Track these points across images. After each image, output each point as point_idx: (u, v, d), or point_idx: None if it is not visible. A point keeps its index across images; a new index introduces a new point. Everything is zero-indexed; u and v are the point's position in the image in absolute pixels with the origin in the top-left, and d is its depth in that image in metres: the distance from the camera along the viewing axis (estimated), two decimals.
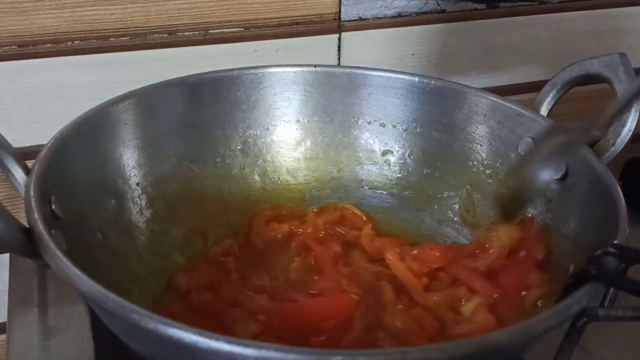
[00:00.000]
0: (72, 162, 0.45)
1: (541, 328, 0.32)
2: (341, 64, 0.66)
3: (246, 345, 0.29)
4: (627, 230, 0.38)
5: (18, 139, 0.55)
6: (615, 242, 0.37)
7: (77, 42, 0.57)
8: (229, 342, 0.29)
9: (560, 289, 0.37)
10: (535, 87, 0.52)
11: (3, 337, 0.50)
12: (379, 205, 0.59)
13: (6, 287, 0.53)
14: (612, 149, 0.47)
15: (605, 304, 0.36)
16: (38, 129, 0.45)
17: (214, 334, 0.29)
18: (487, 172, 0.55)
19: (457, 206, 0.56)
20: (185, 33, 0.60)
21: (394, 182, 0.60)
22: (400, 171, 0.59)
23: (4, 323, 0.49)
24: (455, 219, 0.56)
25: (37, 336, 0.47)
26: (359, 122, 0.60)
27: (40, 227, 0.36)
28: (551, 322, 0.32)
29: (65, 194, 0.43)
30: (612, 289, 0.35)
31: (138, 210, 0.51)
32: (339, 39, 0.65)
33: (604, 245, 0.35)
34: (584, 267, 0.35)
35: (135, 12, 0.58)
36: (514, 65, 0.72)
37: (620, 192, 0.42)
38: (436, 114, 0.57)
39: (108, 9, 0.57)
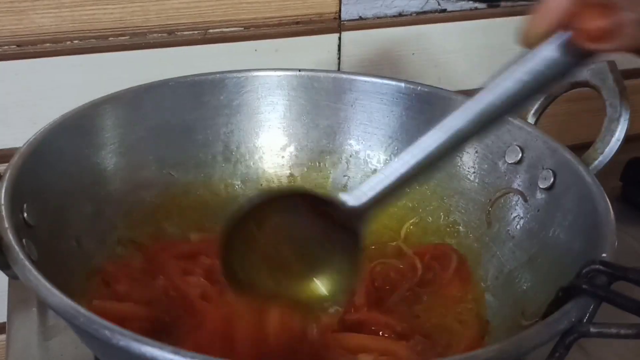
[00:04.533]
0: (47, 168, 0.44)
1: (530, 344, 0.32)
2: (341, 63, 0.66)
3: None
4: (616, 243, 0.38)
5: (16, 139, 0.54)
6: (603, 256, 0.36)
7: (75, 41, 0.57)
8: None
9: (547, 303, 0.36)
10: None
11: (3, 337, 0.50)
12: None
13: (6, 287, 0.52)
14: (601, 158, 0.47)
15: (585, 320, 0.35)
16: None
17: (189, 352, 0.28)
18: (475, 180, 0.54)
19: (442, 214, 0.56)
20: (184, 32, 0.60)
21: None
22: None
23: (4, 323, 0.49)
24: (441, 227, 0.55)
25: (37, 336, 0.47)
26: (344, 128, 0.59)
27: (10, 236, 0.35)
28: (541, 339, 0.32)
29: (39, 201, 0.42)
30: (593, 305, 0.35)
31: (116, 216, 0.50)
32: (339, 38, 0.65)
33: (592, 260, 0.34)
34: (573, 281, 0.34)
35: (134, 11, 0.58)
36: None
37: (609, 204, 0.41)
38: (423, 120, 0.56)
39: (107, 8, 0.57)
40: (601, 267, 0.34)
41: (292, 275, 0.37)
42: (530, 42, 0.31)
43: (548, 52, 0.31)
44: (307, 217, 0.35)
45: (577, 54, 0.31)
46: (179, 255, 0.50)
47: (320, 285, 0.37)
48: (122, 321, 0.38)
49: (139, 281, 0.46)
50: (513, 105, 0.33)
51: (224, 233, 0.35)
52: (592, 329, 0.32)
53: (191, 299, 0.43)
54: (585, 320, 0.35)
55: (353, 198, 0.35)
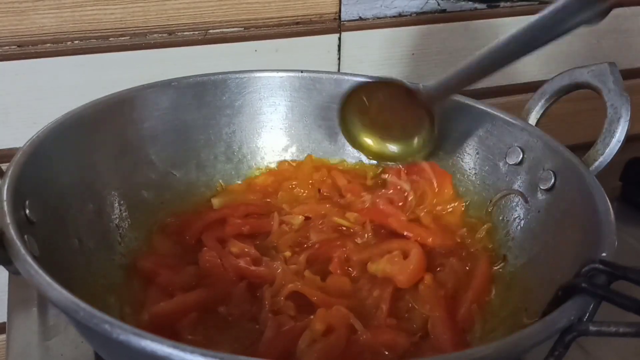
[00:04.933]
0: (49, 166, 0.44)
1: (529, 343, 0.32)
2: (341, 64, 0.66)
3: (220, 358, 0.27)
4: (616, 243, 0.38)
5: (17, 139, 0.55)
6: (603, 255, 0.36)
7: (76, 41, 0.57)
8: (204, 355, 0.27)
9: (547, 302, 0.36)
10: (536, 87, 0.52)
11: (3, 337, 0.50)
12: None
13: (6, 287, 0.52)
14: (601, 159, 0.47)
15: (585, 319, 0.35)
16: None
17: (189, 346, 0.28)
18: (476, 181, 0.54)
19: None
20: (184, 33, 0.60)
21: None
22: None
23: (4, 323, 0.49)
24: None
25: (37, 336, 0.47)
26: None
27: (12, 232, 0.35)
28: (539, 337, 0.32)
29: (41, 199, 0.42)
30: (593, 304, 0.35)
31: (117, 216, 0.50)
32: (339, 38, 0.65)
33: (592, 260, 0.34)
34: (572, 280, 0.34)
35: (135, 12, 0.58)
36: (514, 65, 0.71)
37: (609, 204, 0.41)
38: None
39: (108, 8, 0.57)
40: (601, 266, 0.34)
41: (387, 134, 0.54)
42: None
43: None
44: (400, 97, 0.51)
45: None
46: (208, 225, 0.52)
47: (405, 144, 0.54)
48: (181, 316, 0.42)
49: (176, 268, 0.48)
50: (541, 39, 0.42)
51: (342, 101, 0.54)
52: (591, 328, 0.32)
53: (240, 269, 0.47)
54: (585, 319, 0.35)
55: (430, 86, 0.49)
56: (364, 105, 0.53)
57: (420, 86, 0.50)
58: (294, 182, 0.57)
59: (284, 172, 0.58)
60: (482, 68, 0.45)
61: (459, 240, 0.51)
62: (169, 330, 0.42)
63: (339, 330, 0.41)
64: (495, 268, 0.49)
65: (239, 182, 0.58)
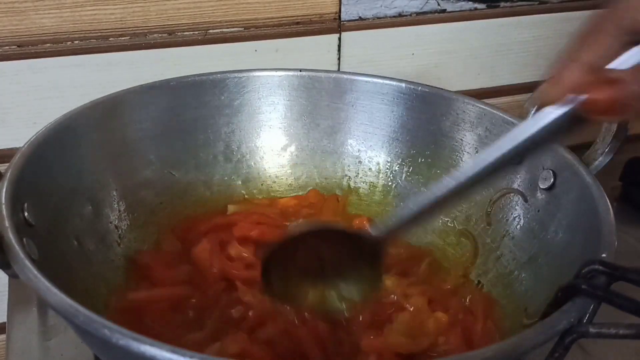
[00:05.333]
0: (48, 168, 0.44)
1: (529, 345, 0.32)
2: (341, 63, 0.66)
3: None
4: (616, 243, 0.38)
5: (16, 139, 0.55)
6: (603, 256, 0.36)
7: (76, 42, 0.57)
8: None
9: (547, 303, 0.36)
10: (535, 87, 0.52)
11: (3, 337, 0.50)
12: (365, 212, 0.58)
13: (6, 287, 0.52)
14: (601, 158, 0.47)
15: (585, 320, 0.35)
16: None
17: (188, 351, 0.28)
18: None
19: (442, 215, 0.55)
20: (184, 33, 0.60)
21: (379, 189, 0.59)
22: (386, 178, 0.59)
23: (4, 323, 0.49)
24: (442, 228, 0.55)
25: (36, 336, 0.47)
26: (345, 128, 0.59)
27: (10, 235, 0.35)
28: (539, 339, 0.32)
29: (40, 201, 0.42)
30: (593, 305, 0.35)
31: (116, 216, 0.50)
32: (339, 38, 0.65)
33: (592, 260, 0.34)
34: (572, 282, 0.34)
35: (134, 11, 0.58)
36: (513, 65, 0.72)
37: (609, 204, 0.41)
38: (423, 120, 0.56)
39: (108, 8, 0.57)
40: (600, 267, 0.34)
41: (320, 287, 0.43)
42: (543, 105, 0.34)
43: (555, 116, 0.33)
44: (337, 245, 0.41)
45: (579, 121, 0.32)
46: (215, 226, 0.52)
47: (343, 296, 0.43)
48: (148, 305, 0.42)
49: (172, 265, 0.48)
50: (517, 155, 0.36)
51: (265, 255, 0.41)
52: (591, 329, 0.32)
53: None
54: (585, 321, 0.35)
55: (376, 230, 0.40)
56: (290, 258, 0.42)
57: (366, 231, 0.42)
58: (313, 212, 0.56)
59: (309, 197, 0.58)
60: (439, 207, 0.38)
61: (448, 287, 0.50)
62: (136, 319, 0.43)
63: None
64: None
65: (239, 182, 0.58)
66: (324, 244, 0.41)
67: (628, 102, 0.30)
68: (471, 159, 0.37)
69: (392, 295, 0.47)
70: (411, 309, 0.46)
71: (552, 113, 0.33)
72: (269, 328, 0.43)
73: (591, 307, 0.35)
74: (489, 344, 0.41)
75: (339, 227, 0.43)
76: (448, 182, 0.37)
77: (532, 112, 0.36)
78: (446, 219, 0.55)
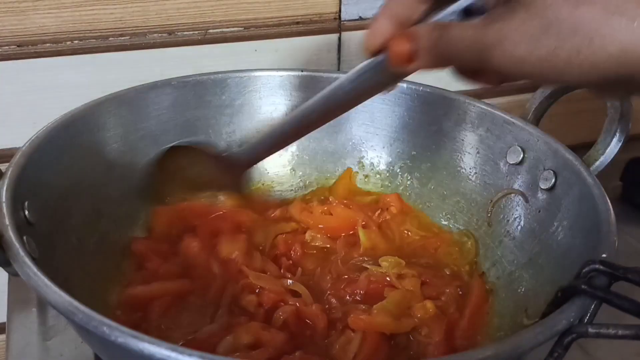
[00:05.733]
0: (48, 167, 0.44)
1: (528, 344, 0.31)
2: (341, 63, 0.66)
3: None
4: (616, 243, 0.38)
5: (17, 139, 0.54)
6: (603, 256, 0.36)
7: (76, 41, 0.57)
8: (202, 358, 0.27)
9: (547, 303, 0.36)
10: (535, 87, 0.52)
11: (3, 337, 0.50)
12: None
13: (6, 287, 0.52)
14: (602, 159, 0.47)
15: (586, 320, 0.35)
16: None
17: (187, 349, 0.28)
18: (476, 181, 0.54)
19: (443, 214, 0.55)
20: (184, 33, 0.60)
21: (380, 189, 0.59)
22: (387, 178, 0.59)
23: (4, 323, 0.49)
24: (443, 227, 0.55)
25: (36, 336, 0.47)
26: (346, 128, 0.59)
27: (11, 233, 0.35)
28: (539, 339, 0.32)
29: (40, 199, 0.42)
30: (594, 305, 0.35)
31: (117, 216, 0.50)
32: (339, 38, 0.65)
33: (592, 260, 0.34)
34: (573, 282, 0.34)
35: (134, 11, 0.58)
36: None
37: (609, 204, 0.41)
38: (424, 121, 0.56)
39: (107, 8, 0.57)
40: (601, 267, 0.34)
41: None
42: (366, 54, 0.37)
43: (370, 67, 0.37)
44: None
45: (390, 73, 0.36)
46: (206, 213, 0.53)
47: None
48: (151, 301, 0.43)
49: (166, 255, 0.49)
50: (343, 105, 0.41)
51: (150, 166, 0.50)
52: (590, 330, 0.32)
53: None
54: (585, 321, 0.35)
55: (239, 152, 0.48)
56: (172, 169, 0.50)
57: (227, 152, 0.49)
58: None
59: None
60: (292, 133, 0.44)
61: (448, 273, 0.51)
62: (140, 313, 0.44)
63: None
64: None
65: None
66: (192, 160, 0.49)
67: (419, 55, 0.33)
68: None
69: (387, 277, 0.47)
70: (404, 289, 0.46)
71: (367, 63, 0.37)
72: (282, 311, 0.44)
73: (592, 307, 0.35)
74: (470, 343, 0.42)
75: (203, 145, 0.50)
76: (301, 107, 0.42)
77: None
78: (446, 221, 0.55)
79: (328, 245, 0.52)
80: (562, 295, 0.34)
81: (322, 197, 0.58)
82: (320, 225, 0.54)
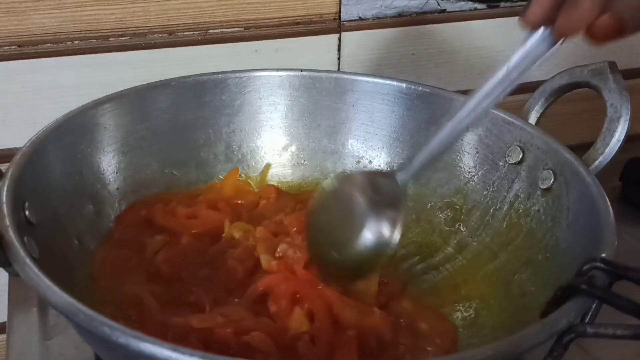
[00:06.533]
0: (49, 167, 0.44)
1: (528, 344, 0.32)
2: (341, 64, 0.66)
3: None
4: (616, 243, 0.38)
5: (17, 139, 0.55)
6: (603, 255, 0.36)
7: (76, 42, 0.57)
8: (203, 358, 0.28)
9: (546, 302, 0.36)
10: (535, 87, 0.52)
11: (3, 337, 0.50)
12: None
13: (6, 287, 0.52)
14: (601, 158, 0.47)
15: (587, 320, 0.35)
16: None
17: (188, 349, 0.28)
18: (475, 180, 0.54)
19: (443, 214, 0.56)
20: (185, 33, 0.60)
21: None
22: None
23: (4, 323, 0.49)
24: (443, 227, 0.55)
25: (37, 336, 0.47)
26: (346, 128, 0.59)
27: (11, 234, 0.35)
28: (538, 338, 0.32)
29: (41, 200, 0.42)
30: (595, 304, 0.35)
31: (117, 216, 0.50)
32: (339, 39, 0.65)
33: (593, 259, 0.34)
34: (573, 281, 0.34)
35: (135, 12, 0.58)
36: None
37: (609, 204, 0.41)
38: (424, 120, 0.56)
39: (108, 8, 0.57)
40: (602, 265, 0.34)
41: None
42: (528, 27, 0.39)
43: (538, 37, 0.39)
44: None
45: (551, 42, 0.39)
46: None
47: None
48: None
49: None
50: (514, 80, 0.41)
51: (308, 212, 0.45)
52: (589, 329, 0.32)
53: None
54: (586, 321, 0.35)
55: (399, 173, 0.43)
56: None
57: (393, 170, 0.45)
58: None
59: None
60: (449, 143, 0.42)
61: None
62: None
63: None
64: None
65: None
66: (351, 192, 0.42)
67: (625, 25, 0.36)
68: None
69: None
70: None
71: (533, 37, 0.39)
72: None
73: (593, 307, 0.35)
74: None
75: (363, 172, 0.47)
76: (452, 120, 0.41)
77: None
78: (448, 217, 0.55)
79: None
80: (562, 294, 0.34)
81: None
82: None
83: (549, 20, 0.38)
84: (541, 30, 0.39)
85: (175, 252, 0.48)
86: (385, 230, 0.40)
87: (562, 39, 0.39)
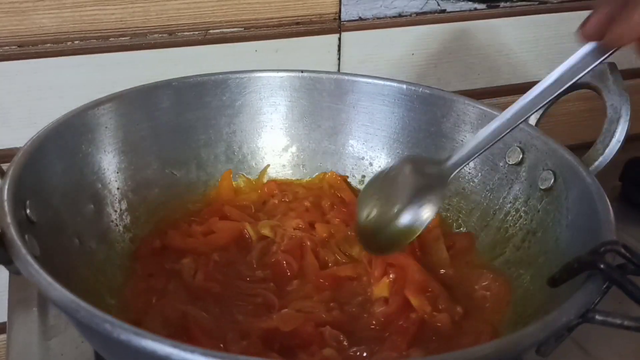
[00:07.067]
0: (50, 166, 0.44)
1: (529, 342, 0.32)
2: (341, 64, 0.66)
3: (222, 358, 0.27)
4: None
5: (17, 139, 0.55)
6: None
7: (77, 42, 0.58)
8: (204, 355, 0.27)
9: (559, 270, 0.36)
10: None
11: (3, 337, 0.50)
12: None
13: (6, 287, 0.52)
14: (601, 159, 0.47)
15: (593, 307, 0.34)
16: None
17: (189, 345, 0.28)
18: (475, 181, 0.54)
19: (443, 215, 0.56)
20: (185, 33, 0.60)
21: None
22: None
23: (4, 323, 0.49)
24: (444, 228, 0.55)
25: (37, 336, 0.47)
26: (346, 129, 0.59)
27: (13, 232, 0.35)
28: (540, 336, 0.32)
29: (42, 199, 0.42)
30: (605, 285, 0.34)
31: (117, 215, 0.50)
32: (339, 39, 0.65)
33: (615, 241, 0.33)
34: (591, 258, 0.33)
35: (135, 12, 0.58)
36: (513, 65, 0.72)
37: (609, 204, 0.41)
38: (424, 121, 0.56)
39: (108, 9, 0.57)
40: (622, 250, 0.33)
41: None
42: (585, 40, 0.41)
43: (588, 50, 0.41)
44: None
45: (603, 52, 0.41)
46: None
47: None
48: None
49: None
50: (561, 87, 0.43)
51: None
52: (597, 317, 0.31)
53: None
54: (592, 308, 0.34)
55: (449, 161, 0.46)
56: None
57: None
58: None
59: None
60: (492, 140, 0.45)
61: None
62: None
63: None
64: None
65: (241, 183, 0.58)
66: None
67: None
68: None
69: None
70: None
71: (586, 48, 0.41)
72: None
73: (603, 288, 0.33)
74: None
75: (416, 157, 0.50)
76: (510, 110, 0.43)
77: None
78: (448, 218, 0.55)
79: None
80: (578, 267, 0.34)
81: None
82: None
83: (602, 34, 0.40)
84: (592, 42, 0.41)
85: (214, 269, 0.48)
86: (423, 212, 0.45)
87: (611, 51, 0.41)
